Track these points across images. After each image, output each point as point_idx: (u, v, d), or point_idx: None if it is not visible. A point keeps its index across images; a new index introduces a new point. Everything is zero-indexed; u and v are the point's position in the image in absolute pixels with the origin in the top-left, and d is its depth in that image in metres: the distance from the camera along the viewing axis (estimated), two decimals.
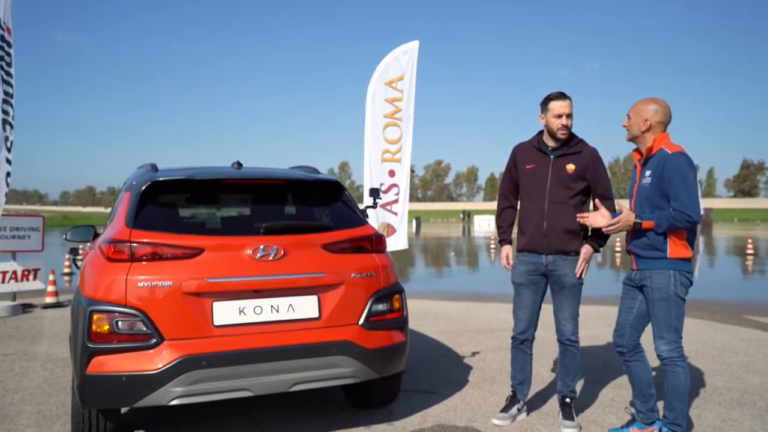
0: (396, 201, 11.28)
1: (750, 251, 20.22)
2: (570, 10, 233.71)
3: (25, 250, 9.01)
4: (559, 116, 3.80)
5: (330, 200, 3.95)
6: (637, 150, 3.61)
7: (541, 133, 3.98)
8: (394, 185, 11.26)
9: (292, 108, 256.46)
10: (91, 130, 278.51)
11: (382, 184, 11.24)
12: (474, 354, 5.89)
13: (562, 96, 3.84)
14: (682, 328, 3.45)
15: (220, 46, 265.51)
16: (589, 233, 3.89)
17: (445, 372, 5.19)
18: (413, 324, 7.52)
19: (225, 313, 3.29)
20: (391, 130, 11.18)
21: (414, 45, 11.04)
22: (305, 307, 3.46)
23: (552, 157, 3.87)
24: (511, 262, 4.04)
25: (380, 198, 4.42)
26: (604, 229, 3.50)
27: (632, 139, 3.57)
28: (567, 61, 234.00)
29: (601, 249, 3.93)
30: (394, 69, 11.01)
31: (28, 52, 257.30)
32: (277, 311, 3.39)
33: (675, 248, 3.35)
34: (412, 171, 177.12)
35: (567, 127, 3.83)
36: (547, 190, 3.84)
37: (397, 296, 3.82)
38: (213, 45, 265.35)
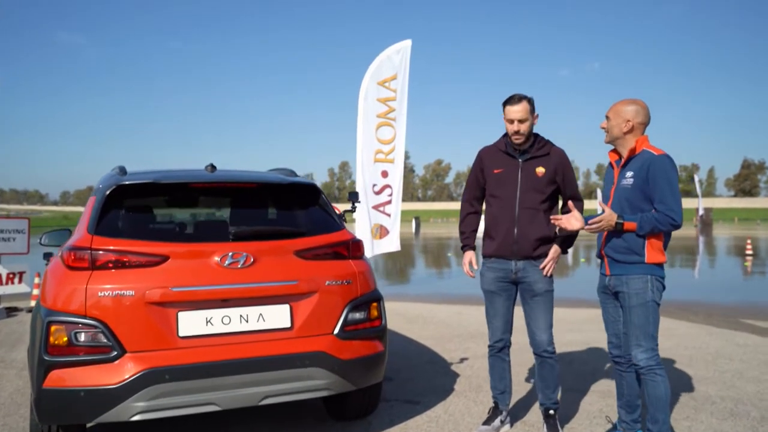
0: (389, 202, 11.13)
1: (749, 252, 20.06)
2: (570, 10, 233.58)
3: (10, 252, 8.88)
4: (511, 121, 3.67)
5: (305, 204, 3.81)
6: (614, 151, 3.49)
7: (506, 135, 3.85)
8: (387, 186, 11.10)
9: (293, 108, 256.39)
10: (91, 130, 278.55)
11: (375, 185, 11.09)
12: (462, 360, 5.74)
13: (515, 100, 3.68)
14: (658, 335, 3.33)
15: (220, 46, 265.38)
16: (557, 236, 3.79)
17: (430, 380, 5.04)
18: (402, 328, 7.38)
19: (191, 323, 3.14)
20: (384, 131, 11.02)
21: (407, 44, 10.89)
22: (276, 316, 3.32)
23: (521, 160, 3.74)
24: (475, 268, 3.90)
25: (359, 202, 4.24)
26: (586, 228, 3.37)
27: (612, 141, 3.45)
28: (567, 60, 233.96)
29: (568, 251, 3.85)
30: (386, 68, 10.85)
31: (28, 52, 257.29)
32: (247, 321, 3.25)
33: (652, 253, 3.26)
34: (412, 171, 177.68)
35: (519, 133, 3.67)
36: (517, 195, 3.70)
37: (375, 304, 3.69)
38: (212, 45, 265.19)
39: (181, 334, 3.12)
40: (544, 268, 3.70)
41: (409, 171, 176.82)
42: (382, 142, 11.02)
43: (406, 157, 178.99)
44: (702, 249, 25.57)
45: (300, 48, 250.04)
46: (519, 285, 3.79)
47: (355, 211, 4.26)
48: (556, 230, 3.81)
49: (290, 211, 3.80)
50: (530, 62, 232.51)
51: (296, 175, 4.09)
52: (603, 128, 3.47)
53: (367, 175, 11.00)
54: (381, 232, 11.09)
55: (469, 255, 3.92)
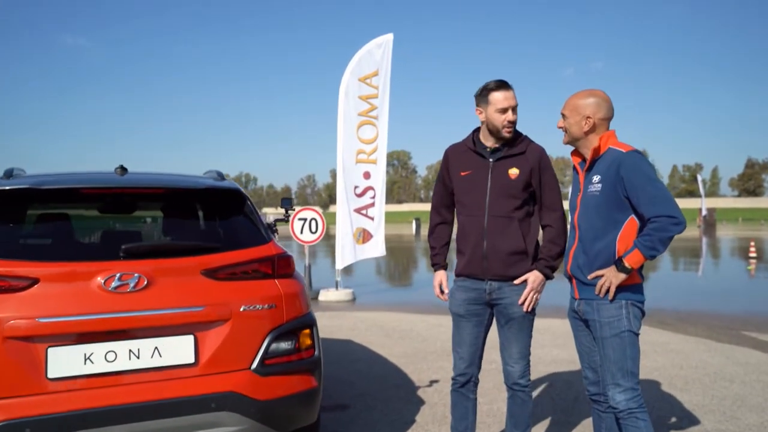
0: (372, 205, 10.57)
1: (753, 254, 19.40)
2: (574, 9, 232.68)
3: None
4: (504, 110, 3.09)
5: (224, 213, 3.24)
6: (576, 152, 2.92)
7: (476, 131, 3.29)
8: (370, 188, 10.55)
9: (294, 107, 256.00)
10: (91, 131, 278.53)
11: (356, 187, 10.55)
12: (431, 383, 5.16)
13: (505, 85, 3.13)
14: (639, 370, 2.75)
15: (222, 48, 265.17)
16: (540, 253, 3.19)
17: (390, 409, 4.47)
18: (376, 344, 6.81)
19: (64, 361, 2.57)
20: (366, 129, 10.47)
21: (388, 38, 10.33)
22: (177, 350, 2.75)
23: (491, 160, 3.17)
24: (446, 291, 3.33)
25: (293, 209, 3.66)
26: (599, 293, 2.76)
27: (572, 141, 2.88)
28: (571, 60, 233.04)
29: (554, 275, 3.20)
30: (367, 64, 10.29)
31: (30, 54, 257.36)
32: (138, 357, 2.68)
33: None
34: (415, 171, 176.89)
35: (513, 124, 3.13)
36: (486, 202, 3.13)
37: (306, 331, 3.11)
38: (214, 47, 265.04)
39: (51, 375, 2.54)
40: (521, 298, 3.12)
41: (411, 172, 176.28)
42: (364, 141, 10.47)
43: (408, 158, 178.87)
44: (704, 251, 24.92)
45: (301, 48, 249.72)
46: (494, 307, 3.22)
47: (287, 220, 3.67)
48: (540, 245, 3.23)
49: (204, 222, 3.23)
50: (534, 62, 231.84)
51: (223, 179, 3.51)
52: (560, 128, 2.90)
53: (349, 177, 10.47)
54: (364, 236, 10.53)
55: (440, 276, 3.33)
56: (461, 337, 3.25)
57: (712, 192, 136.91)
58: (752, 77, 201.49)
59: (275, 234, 3.41)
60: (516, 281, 3.14)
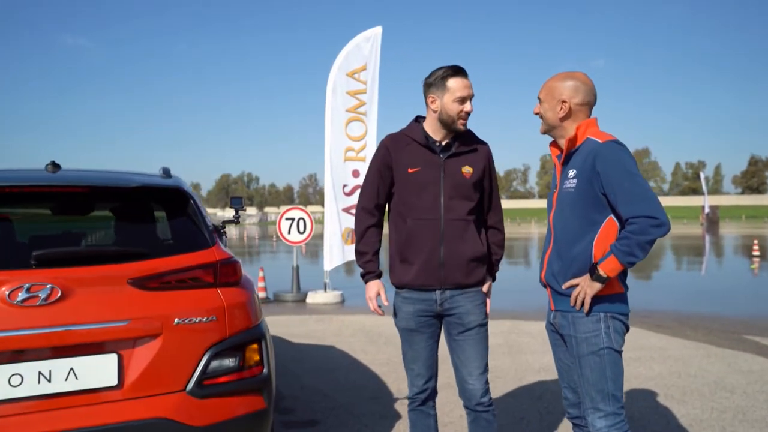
0: None
1: (756, 252, 19.01)
2: (575, 7, 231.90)
3: None
4: (463, 100, 2.78)
5: (162, 214, 2.91)
6: (555, 144, 2.59)
7: (420, 121, 2.95)
8: (359, 187, 10.18)
9: (295, 107, 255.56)
10: (91, 131, 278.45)
11: (345, 186, 10.21)
12: None
13: (464, 72, 2.81)
14: (623, 392, 2.41)
15: (222, 48, 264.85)
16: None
17: (363, 425, 4.13)
18: (359, 350, 6.47)
19: None
20: (354, 126, 10.12)
21: (377, 31, 9.97)
22: (97, 371, 2.41)
23: (443, 156, 2.84)
24: (385, 303, 2.97)
25: (243, 209, 3.33)
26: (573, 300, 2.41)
27: (548, 130, 2.55)
28: (572, 58, 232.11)
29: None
30: (355, 58, 9.94)
31: (30, 54, 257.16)
32: (49, 381, 2.35)
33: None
34: None
35: (469, 115, 2.83)
36: (441, 203, 2.80)
37: (253, 346, 2.78)
38: (214, 47, 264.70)
39: None
40: (488, 307, 2.93)
41: None
42: (353, 138, 10.13)
43: None
44: (707, 249, 24.53)
45: (303, 47, 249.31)
46: (444, 319, 2.90)
47: (238, 221, 3.33)
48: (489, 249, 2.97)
49: (136, 224, 2.89)
50: (535, 60, 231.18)
51: (169, 176, 3.17)
52: (537, 114, 2.57)
53: (337, 175, 10.12)
54: (353, 236, 10.15)
55: (376, 286, 2.95)
56: (416, 352, 2.92)
57: (715, 189, 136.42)
58: (755, 75, 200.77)
59: (222, 237, 3.07)
60: (484, 288, 2.90)
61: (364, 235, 2.95)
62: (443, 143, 2.85)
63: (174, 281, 2.63)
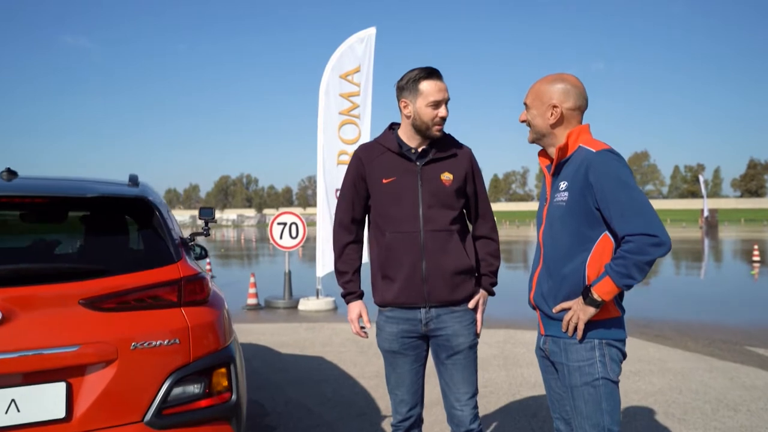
0: None
1: (756, 258, 18.79)
2: (575, 10, 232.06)
3: None
4: (437, 104, 2.57)
5: (123, 226, 2.69)
6: (544, 153, 2.38)
7: (394, 128, 2.75)
8: None
9: (294, 109, 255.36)
10: (92, 131, 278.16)
11: (338, 190, 9.96)
12: None
13: (437, 74, 2.60)
14: (619, 426, 2.20)
15: (222, 48, 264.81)
16: (480, 269, 2.76)
17: None
18: (348, 362, 6.25)
19: None
20: (347, 129, 9.91)
21: (371, 32, 9.76)
22: (42, 402, 2.20)
23: (419, 164, 2.63)
24: (367, 327, 2.77)
25: (214, 220, 3.10)
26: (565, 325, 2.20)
27: (537, 139, 2.34)
28: (571, 60, 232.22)
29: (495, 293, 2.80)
30: (349, 59, 9.73)
31: (31, 54, 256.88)
32: None
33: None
34: None
35: (445, 121, 2.63)
36: (419, 214, 2.59)
37: (221, 371, 2.57)
38: (214, 47, 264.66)
39: None
40: (478, 325, 2.71)
41: None
42: (346, 142, 9.91)
43: None
44: (706, 254, 24.31)
45: (303, 47, 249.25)
46: (431, 340, 2.69)
47: (208, 234, 3.11)
48: (479, 261, 2.75)
49: (93, 238, 2.68)
50: (536, 62, 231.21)
51: (136, 184, 2.95)
52: (523, 122, 2.36)
53: (330, 179, 9.91)
54: None
55: (359, 307, 2.76)
56: (399, 376, 2.71)
57: (714, 193, 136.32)
58: (754, 77, 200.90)
59: (190, 251, 2.85)
60: (470, 304, 2.67)
61: (343, 253, 2.77)
62: (419, 150, 2.64)
63: (132, 301, 2.42)
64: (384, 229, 2.65)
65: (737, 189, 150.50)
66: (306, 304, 10.08)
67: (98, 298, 2.34)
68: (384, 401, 4.86)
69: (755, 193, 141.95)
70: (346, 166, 10.25)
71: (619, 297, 2.18)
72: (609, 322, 2.16)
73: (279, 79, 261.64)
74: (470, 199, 2.71)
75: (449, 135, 2.73)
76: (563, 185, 2.20)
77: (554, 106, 2.23)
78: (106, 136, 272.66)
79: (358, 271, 2.77)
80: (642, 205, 2.04)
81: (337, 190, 9.95)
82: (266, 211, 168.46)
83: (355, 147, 9.96)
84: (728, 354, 6.52)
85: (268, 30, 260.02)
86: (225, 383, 2.57)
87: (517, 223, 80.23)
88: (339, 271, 2.76)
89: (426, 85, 2.56)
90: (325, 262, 9.89)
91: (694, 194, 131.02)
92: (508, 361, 6.23)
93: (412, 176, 2.61)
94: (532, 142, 2.35)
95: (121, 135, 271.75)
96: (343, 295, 2.78)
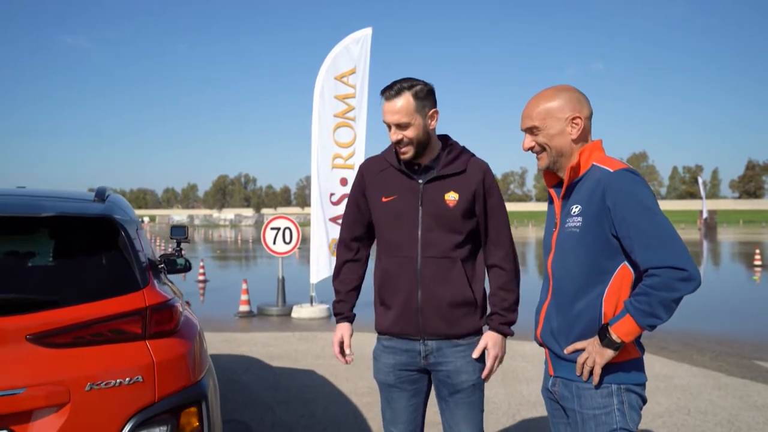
0: None
1: (758, 262, 18.54)
2: (575, 10, 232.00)
3: None
4: (388, 126, 2.34)
5: (82, 249, 2.42)
6: (551, 174, 2.12)
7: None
8: (347, 196, 9.70)
9: (293, 109, 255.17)
10: (92, 131, 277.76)
11: (332, 195, 9.73)
12: None
13: (392, 90, 2.31)
14: None
15: (222, 48, 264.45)
16: (490, 305, 2.43)
17: None
18: (340, 376, 5.99)
19: None
20: (342, 132, 9.65)
21: (366, 33, 9.50)
22: None
23: (421, 181, 2.36)
24: (349, 353, 2.52)
25: (188, 240, 2.83)
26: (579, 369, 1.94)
27: (555, 161, 2.06)
28: (571, 60, 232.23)
29: (513, 330, 2.44)
30: (344, 61, 9.47)
31: (31, 54, 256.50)
32: None
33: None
34: None
35: (402, 144, 2.33)
36: (418, 237, 2.33)
37: (191, 410, 2.31)
38: (214, 47, 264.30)
39: None
40: (485, 372, 2.39)
41: None
42: (341, 145, 9.66)
43: None
44: (706, 257, 24.07)
45: (303, 47, 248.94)
46: (432, 373, 2.43)
47: (180, 255, 2.83)
48: (487, 294, 2.45)
49: (48, 263, 2.42)
50: (536, 63, 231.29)
51: (103, 200, 2.68)
52: (531, 150, 2.07)
53: (324, 183, 9.65)
54: None
55: (342, 330, 2.53)
56: (395, 412, 2.45)
57: (713, 194, 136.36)
58: (753, 78, 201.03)
59: (160, 274, 2.59)
60: (474, 354, 2.35)
61: (340, 272, 2.57)
62: (422, 165, 2.38)
63: (89, 335, 2.16)
64: (381, 252, 2.43)
65: (735, 190, 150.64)
66: (299, 312, 9.81)
67: (48, 332, 2.08)
68: (375, 422, 4.61)
69: (753, 195, 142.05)
70: (340, 170, 10.03)
71: (639, 336, 1.93)
72: (628, 364, 1.90)
73: (278, 79, 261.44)
74: (480, 220, 2.39)
75: (461, 147, 2.45)
76: (576, 209, 1.94)
77: (575, 118, 1.97)
78: (106, 136, 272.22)
79: (354, 291, 2.55)
80: (668, 233, 1.78)
81: (331, 194, 9.71)
82: (264, 210, 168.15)
83: (349, 150, 9.72)
84: (736, 369, 6.27)
85: (267, 30, 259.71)
86: (195, 423, 2.31)
87: (516, 223, 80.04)
88: (334, 290, 2.57)
89: (382, 104, 2.33)
90: (319, 268, 9.63)
91: (693, 195, 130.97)
92: (507, 376, 5.98)
93: (412, 195, 2.35)
94: (547, 168, 2.06)
95: (121, 135, 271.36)
96: (334, 314, 2.57)
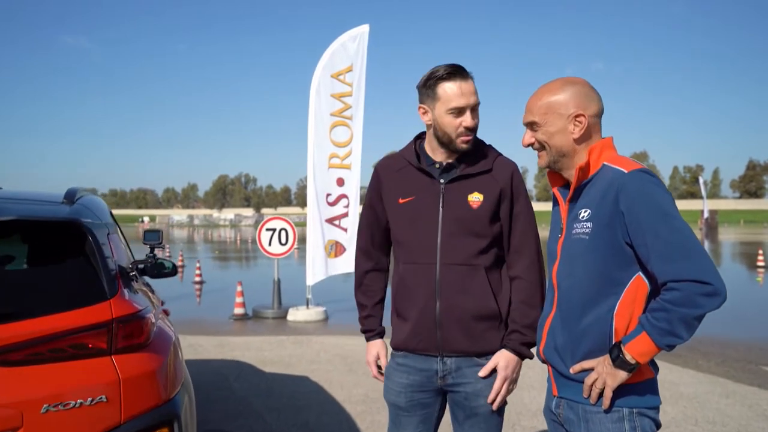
0: (345, 215, 9.56)
1: (761, 263, 18.32)
2: (575, 10, 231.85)
3: None
4: (460, 111, 2.09)
5: (44, 256, 2.25)
6: (555, 174, 1.93)
7: (420, 138, 2.29)
8: (343, 196, 9.54)
9: (293, 109, 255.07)
10: (91, 132, 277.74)
11: (329, 195, 9.53)
12: None
13: (461, 73, 2.10)
14: None
15: (222, 48, 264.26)
16: (510, 321, 2.16)
17: None
18: (334, 382, 5.80)
19: None
20: (339, 131, 9.45)
21: (363, 30, 9.30)
22: None
23: (442, 182, 2.15)
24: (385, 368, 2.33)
25: (162, 246, 2.63)
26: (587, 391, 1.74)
27: (556, 161, 1.87)
28: (571, 60, 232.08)
29: (533, 353, 2.16)
30: (340, 58, 9.28)
31: (31, 54, 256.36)
32: None
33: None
34: None
35: (472, 131, 2.12)
36: (437, 243, 2.11)
37: (162, 431, 2.12)
38: (214, 47, 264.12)
39: None
40: (492, 392, 2.12)
41: None
42: (337, 144, 9.47)
43: None
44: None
45: (303, 47, 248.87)
46: (448, 394, 2.22)
47: (155, 261, 2.63)
48: (510, 307, 2.17)
49: (5, 271, 2.23)
50: (535, 63, 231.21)
51: (72, 202, 2.48)
52: (531, 146, 1.89)
53: (320, 183, 9.46)
54: (336, 249, 9.52)
55: (377, 348, 2.34)
56: None
57: (713, 194, 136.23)
58: (754, 78, 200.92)
59: (132, 282, 2.40)
60: (481, 373, 2.12)
61: (362, 283, 2.36)
62: (444, 164, 2.17)
63: (47, 351, 1.97)
64: (400, 256, 2.21)
65: (736, 190, 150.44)
66: (295, 315, 9.62)
67: (1, 349, 1.90)
68: (372, 430, 4.42)
69: (754, 194, 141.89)
70: (337, 170, 9.84)
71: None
72: (641, 386, 1.71)
73: (278, 79, 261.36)
74: (504, 225, 2.16)
75: (487, 144, 2.24)
76: (585, 213, 1.75)
77: (578, 116, 1.78)
78: (106, 135, 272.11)
79: (380, 303, 2.36)
80: (690, 241, 1.58)
81: (328, 194, 9.52)
82: (264, 210, 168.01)
83: (346, 150, 9.52)
84: (743, 375, 6.08)
85: (267, 30, 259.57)
86: None
87: None
88: (358, 303, 2.36)
89: (446, 88, 2.07)
90: (315, 270, 9.44)
91: (693, 195, 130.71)
92: None
93: (432, 196, 2.14)
94: (548, 166, 1.88)
95: (121, 135, 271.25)
96: (363, 332, 2.37)
